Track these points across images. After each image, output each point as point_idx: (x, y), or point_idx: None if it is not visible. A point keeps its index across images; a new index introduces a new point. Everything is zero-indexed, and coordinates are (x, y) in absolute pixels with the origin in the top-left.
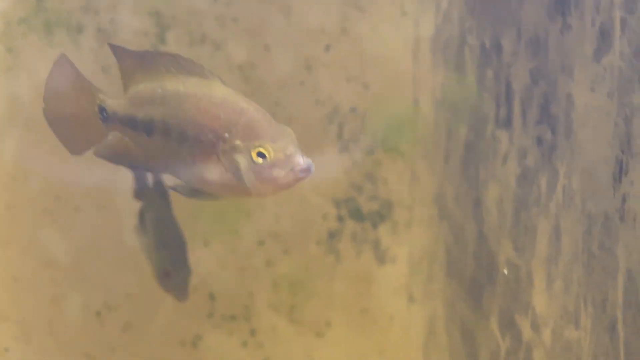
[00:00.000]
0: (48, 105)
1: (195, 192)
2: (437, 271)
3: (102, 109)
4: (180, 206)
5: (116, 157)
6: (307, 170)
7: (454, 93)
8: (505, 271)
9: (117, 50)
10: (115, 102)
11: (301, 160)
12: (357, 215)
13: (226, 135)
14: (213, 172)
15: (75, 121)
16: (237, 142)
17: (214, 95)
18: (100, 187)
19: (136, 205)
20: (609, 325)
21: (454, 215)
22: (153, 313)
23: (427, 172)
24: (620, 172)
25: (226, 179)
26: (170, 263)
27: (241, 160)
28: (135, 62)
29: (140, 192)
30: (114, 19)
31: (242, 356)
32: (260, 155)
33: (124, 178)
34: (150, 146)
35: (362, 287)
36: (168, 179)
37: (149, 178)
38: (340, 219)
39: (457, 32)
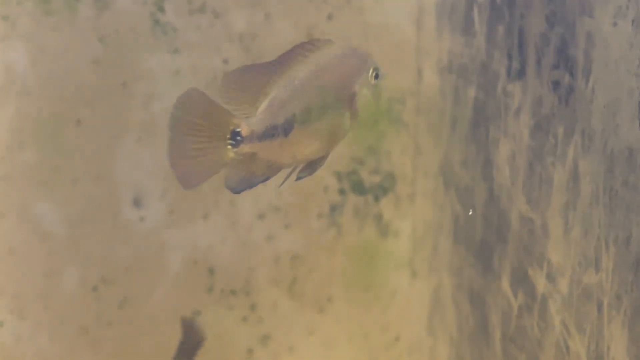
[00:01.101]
0: (174, 142)
1: (314, 167)
2: (442, 242)
3: (235, 134)
4: (177, 180)
5: (249, 181)
6: None
7: (461, 57)
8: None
9: (247, 71)
10: (251, 120)
11: None
12: (359, 188)
13: (355, 81)
14: (346, 121)
15: (200, 153)
16: (362, 80)
17: (334, 54)
18: (99, 157)
19: (134, 176)
20: (633, 263)
21: (461, 181)
22: (151, 288)
23: (431, 143)
24: None
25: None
26: None
27: (367, 92)
28: (267, 73)
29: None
30: None
31: (242, 331)
32: (376, 76)
33: (124, 149)
34: (285, 146)
35: (364, 261)
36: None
37: None
38: (342, 192)
39: None
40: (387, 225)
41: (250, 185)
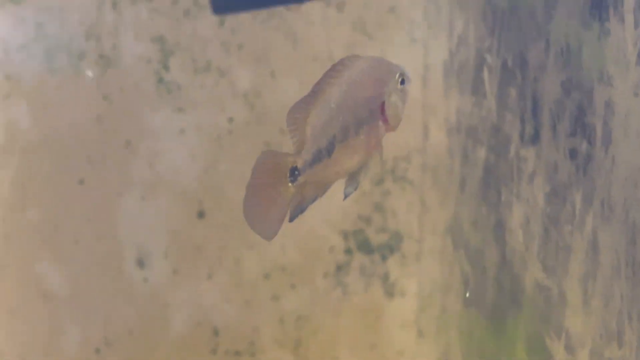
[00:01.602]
0: (249, 203)
1: (357, 179)
2: (451, 302)
3: (293, 170)
4: (184, 239)
5: (301, 206)
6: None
7: (470, 117)
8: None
9: (293, 108)
10: (303, 152)
11: None
12: (366, 247)
13: (383, 91)
14: (381, 130)
15: (271, 203)
16: (390, 87)
17: (361, 69)
18: (101, 216)
19: (138, 236)
20: None
21: (471, 242)
22: (154, 349)
23: (438, 201)
24: None
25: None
26: None
27: (395, 98)
28: (307, 103)
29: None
30: (117, 44)
31: None
32: (402, 82)
33: (127, 208)
34: (329, 165)
35: (370, 321)
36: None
37: None
38: (348, 251)
39: (474, 54)
40: (394, 284)
41: (303, 210)
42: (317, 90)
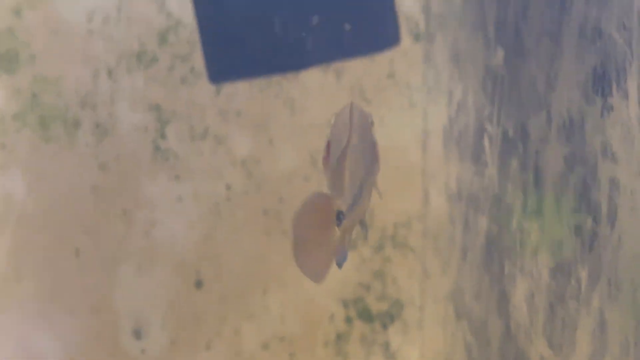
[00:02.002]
0: (298, 246)
1: (364, 223)
2: None
3: (339, 214)
4: (182, 309)
5: (345, 252)
6: None
7: (471, 185)
8: None
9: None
10: (345, 195)
11: None
12: (366, 315)
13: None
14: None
15: (320, 245)
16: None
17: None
18: (97, 287)
19: (134, 306)
20: None
21: (474, 313)
22: None
23: (440, 268)
24: None
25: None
26: None
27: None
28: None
29: None
30: (113, 113)
31: None
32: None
33: (123, 279)
34: (361, 208)
35: None
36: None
37: None
38: (348, 320)
39: (474, 121)
40: (395, 353)
41: (346, 256)
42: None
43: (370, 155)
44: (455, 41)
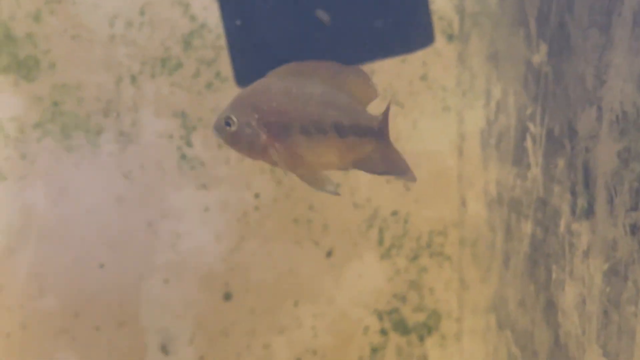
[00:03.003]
0: None
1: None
2: None
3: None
4: (210, 323)
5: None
6: None
7: (513, 189)
8: None
9: None
10: None
11: None
12: (402, 327)
13: None
14: None
15: None
16: None
17: None
18: (123, 302)
19: (161, 321)
20: None
21: (518, 323)
22: None
23: (479, 277)
24: None
25: None
26: None
27: None
28: None
29: None
30: (136, 120)
31: None
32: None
33: (150, 293)
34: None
35: None
36: None
37: None
38: (383, 332)
39: (515, 122)
40: None
41: None
42: None
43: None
44: (492, 40)
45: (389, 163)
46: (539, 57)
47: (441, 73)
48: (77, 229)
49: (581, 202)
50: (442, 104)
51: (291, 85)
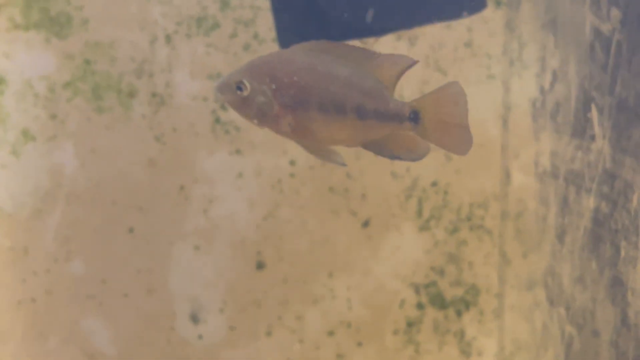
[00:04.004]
0: None
1: None
2: None
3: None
4: (241, 292)
5: None
6: None
7: (572, 161)
8: None
9: None
10: None
11: None
12: (439, 302)
13: None
14: None
15: None
16: None
17: None
18: (152, 268)
19: (191, 289)
20: None
21: (576, 300)
22: None
23: (521, 252)
24: None
25: None
26: None
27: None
28: None
29: None
30: (170, 82)
31: None
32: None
33: (180, 259)
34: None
35: None
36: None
37: None
38: (420, 306)
39: (577, 92)
40: (470, 343)
41: None
42: None
43: None
44: (549, 7)
45: (402, 149)
46: (610, 23)
47: (487, 40)
48: (106, 192)
49: None
50: (487, 71)
51: (317, 63)
